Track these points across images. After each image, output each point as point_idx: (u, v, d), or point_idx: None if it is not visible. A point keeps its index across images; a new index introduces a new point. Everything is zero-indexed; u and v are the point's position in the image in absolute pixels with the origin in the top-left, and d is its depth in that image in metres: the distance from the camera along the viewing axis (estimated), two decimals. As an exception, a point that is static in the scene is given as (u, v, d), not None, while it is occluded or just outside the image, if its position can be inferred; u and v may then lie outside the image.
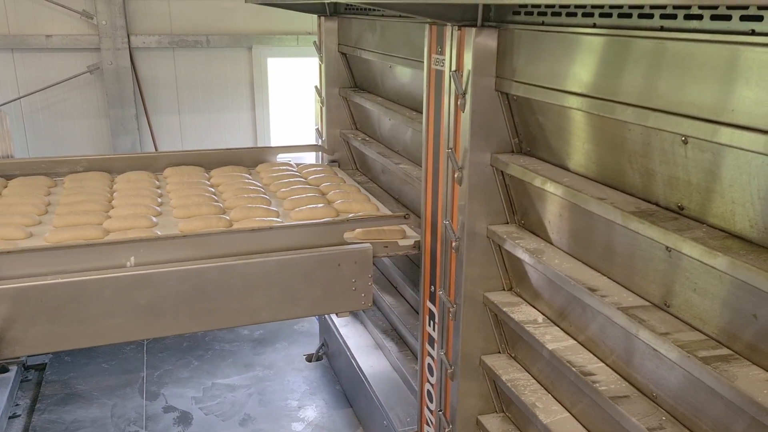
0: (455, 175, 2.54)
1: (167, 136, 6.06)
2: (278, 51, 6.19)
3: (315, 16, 4.50)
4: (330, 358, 4.96)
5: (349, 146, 4.51)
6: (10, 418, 4.27)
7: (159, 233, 3.08)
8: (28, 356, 4.84)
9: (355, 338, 4.43)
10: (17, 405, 4.44)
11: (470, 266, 2.59)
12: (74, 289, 2.63)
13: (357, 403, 4.32)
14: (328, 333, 4.88)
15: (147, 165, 4.19)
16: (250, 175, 4.12)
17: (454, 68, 2.46)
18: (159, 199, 3.65)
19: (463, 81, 2.40)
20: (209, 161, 4.28)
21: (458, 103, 2.46)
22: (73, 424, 4.26)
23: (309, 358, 5.07)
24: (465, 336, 2.67)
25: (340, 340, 4.49)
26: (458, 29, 2.41)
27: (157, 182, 3.96)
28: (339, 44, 4.35)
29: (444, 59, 2.54)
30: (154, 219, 3.32)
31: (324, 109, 4.55)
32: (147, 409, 4.42)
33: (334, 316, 4.72)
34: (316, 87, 4.61)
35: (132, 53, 5.65)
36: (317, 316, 5.29)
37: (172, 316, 2.81)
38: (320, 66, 4.51)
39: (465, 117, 2.44)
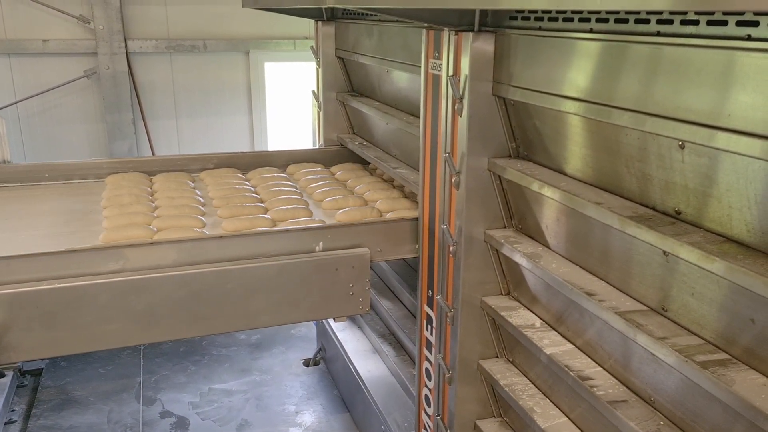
0: (453, 180, 2.54)
1: (164, 141, 6.05)
2: (275, 56, 6.19)
3: (312, 21, 4.51)
4: (327, 362, 4.95)
5: (347, 150, 4.50)
6: (6, 423, 4.25)
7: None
8: (24, 362, 4.82)
9: (353, 343, 4.42)
10: (13, 411, 4.42)
11: (468, 271, 2.59)
12: (70, 294, 2.62)
13: (354, 408, 4.32)
14: (325, 337, 4.87)
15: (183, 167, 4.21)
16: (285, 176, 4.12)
17: (451, 73, 2.46)
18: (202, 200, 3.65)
19: (460, 85, 2.41)
20: (243, 163, 4.29)
21: (455, 107, 2.46)
22: (69, 430, 4.24)
23: (306, 363, 5.06)
24: (463, 340, 2.67)
25: (338, 345, 4.49)
26: (455, 34, 2.41)
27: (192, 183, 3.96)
28: (336, 49, 4.35)
29: (441, 64, 2.54)
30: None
31: (321, 113, 4.55)
32: (144, 415, 4.41)
33: (331, 321, 4.72)
34: (313, 91, 4.62)
35: (129, 58, 5.65)
36: (315, 321, 5.28)
37: (169, 322, 2.80)
38: (317, 70, 4.51)
39: (462, 121, 2.44)
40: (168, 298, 2.77)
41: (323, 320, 4.84)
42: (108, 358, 5.07)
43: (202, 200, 3.62)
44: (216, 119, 6.18)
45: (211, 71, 6.03)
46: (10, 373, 4.58)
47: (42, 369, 4.92)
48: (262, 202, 3.60)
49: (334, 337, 4.58)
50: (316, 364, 5.05)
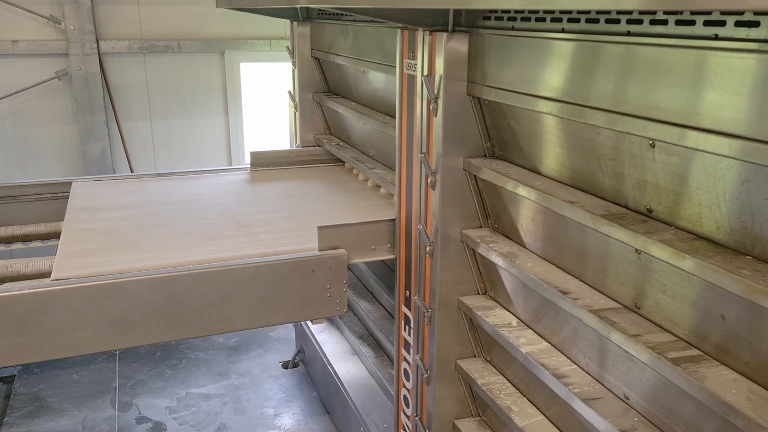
0: (428, 180, 2.54)
1: (139, 143, 5.97)
2: (251, 56, 6.14)
3: (287, 21, 4.48)
4: (306, 364, 4.93)
5: (324, 150, 4.48)
6: (-23, 432, 4.16)
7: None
8: (-4, 369, 4.73)
9: (332, 344, 4.41)
10: (-16, 419, 4.33)
11: (444, 271, 2.59)
12: (41, 299, 2.57)
13: (334, 410, 4.30)
14: (304, 339, 4.85)
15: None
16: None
17: (426, 73, 2.46)
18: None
19: (435, 86, 2.41)
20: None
21: (431, 107, 2.46)
22: (43, 438, 4.17)
23: (285, 365, 5.03)
24: (440, 340, 2.67)
25: (317, 347, 4.47)
26: (430, 34, 2.41)
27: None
28: (312, 49, 4.33)
29: (416, 64, 2.54)
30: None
31: (298, 114, 4.53)
32: (119, 421, 4.35)
33: (310, 323, 4.69)
34: (289, 92, 4.59)
35: (101, 59, 5.56)
36: (293, 323, 5.25)
37: (145, 326, 2.76)
38: (293, 71, 4.48)
39: (437, 121, 2.45)
40: (143, 302, 2.73)
41: (302, 322, 4.82)
42: (83, 363, 4.99)
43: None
44: (192, 120, 6.12)
45: (186, 72, 5.97)
46: (-19, 381, 4.49)
47: (14, 375, 4.83)
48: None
49: (312, 339, 4.56)
50: (295, 366, 5.02)
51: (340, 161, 4.27)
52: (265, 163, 4.27)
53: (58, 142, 5.72)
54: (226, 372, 4.95)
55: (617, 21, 1.73)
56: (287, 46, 4.48)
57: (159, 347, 5.23)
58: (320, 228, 3.04)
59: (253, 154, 4.23)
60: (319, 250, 2.94)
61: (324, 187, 3.94)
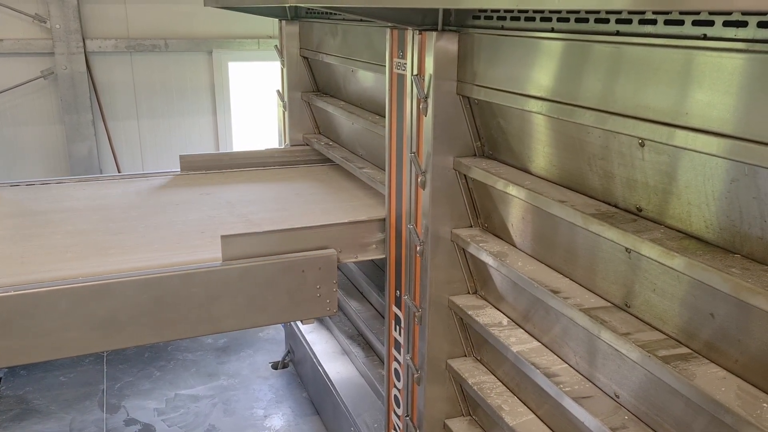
0: (419, 179, 2.54)
1: (126, 142, 5.93)
2: (239, 55, 6.11)
3: (276, 20, 4.46)
4: (296, 365, 4.92)
5: (313, 150, 4.47)
6: (-38, 436, 4.11)
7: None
8: (-18, 371, 4.68)
9: (321, 344, 4.40)
10: (-31, 423, 4.28)
11: (435, 270, 2.59)
12: (27, 301, 2.54)
13: (324, 411, 4.29)
14: (293, 340, 4.83)
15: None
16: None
17: (415, 72, 2.46)
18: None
19: (424, 85, 2.40)
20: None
21: (420, 107, 2.46)
22: (29, 441, 4.13)
23: (275, 366, 5.01)
24: (431, 340, 2.67)
25: (306, 347, 4.45)
26: (419, 33, 2.41)
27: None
28: (301, 48, 4.32)
29: (406, 63, 2.54)
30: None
31: (287, 113, 4.51)
32: (107, 423, 4.31)
33: (299, 323, 4.68)
34: (278, 91, 4.57)
35: (87, 58, 5.51)
36: (282, 324, 5.23)
37: (132, 328, 2.74)
38: (282, 70, 4.47)
39: (427, 121, 2.44)
40: (130, 303, 2.71)
41: (291, 323, 4.80)
42: (69, 365, 4.95)
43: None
44: (179, 120, 6.08)
45: (174, 71, 5.93)
46: (-34, 384, 4.43)
47: (0, 378, 4.77)
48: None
49: (302, 340, 4.54)
50: (284, 366, 5.00)
51: (325, 161, 4.25)
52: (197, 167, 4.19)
53: (43, 142, 5.67)
54: (215, 373, 4.92)
55: (606, 21, 1.73)
56: (276, 45, 4.46)
57: (147, 349, 5.19)
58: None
59: (183, 158, 4.09)
60: (224, 260, 2.87)
61: (312, 187, 3.93)
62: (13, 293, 2.53)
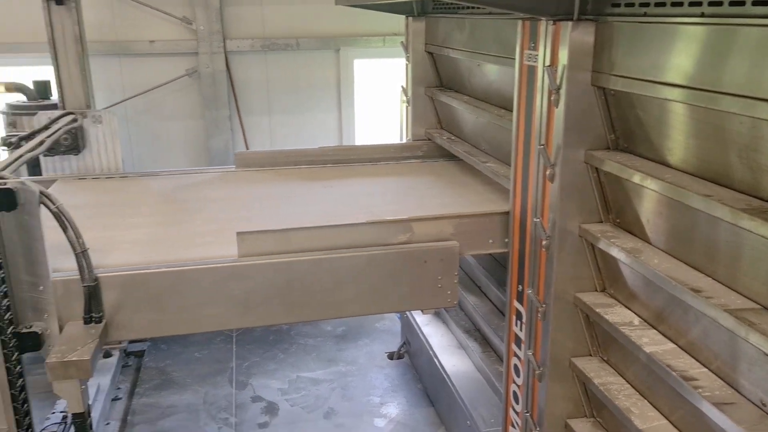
0: (547, 173, 2.50)
1: (258, 137, 6.27)
2: (365, 52, 6.28)
3: (402, 17, 4.54)
4: (411, 356, 4.98)
5: (434, 145, 4.51)
6: (112, 400, 4.54)
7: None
8: (130, 342, 5.13)
9: (438, 337, 4.43)
10: (119, 389, 4.72)
11: (561, 265, 2.53)
12: (175, 278, 2.77)
13: (439, 403, 4.32)
14: (410, 331, 4.90)
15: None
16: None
17: (548, 63, 2.42)
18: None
19: (557, 76, 2.36)
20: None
21: (551, 98, 2.41)
22: (168, 409, 4.48)
23: (390, 356, 5.11)
24: (554, 337, 2.62)
25: (423, 339, 4.50)
26: (553, 24, 2.37)
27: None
28: (426, 44, 4.37)
29: (537, 55, 2.50)
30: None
31: (410, 108, 4.58)
32: (236, 398, 4.60)
33: (416, 315, 4.74)
34: (402, 87, 4.65)
35: (227, 57, 5.89)
36: (399, 315, 5.33)
37: (265, 308, 2.91)
38: (407, 66, 4.54)
39: (558, 113, 2.40)
40: (264, 284, 2.88)
41: (408, 314, 4.88)
42: (204, 343, 5.32)
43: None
44: (306, 116, 6.35)
45: (303, 69, 6.20)
46: (116, 354, 4.89)
47: (144, 351, 5.22)
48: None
49: (418, 331, 4.60)
50: (400, 357, 5.09)
51: (445, 156, 4.27)
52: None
53: (185, 136, 6.13)
54: (334, 359, 5.10)
55: (765, 2, 1.62)
56: (402, 42, 4.54)
57: (272, 332, 5.48)
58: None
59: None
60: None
61: (432, 181, 3.97)
62: (162, 270, 2.77)
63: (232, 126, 6.08)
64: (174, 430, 4.26)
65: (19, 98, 5.13)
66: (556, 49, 2.36)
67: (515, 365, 2.99)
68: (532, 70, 2.57)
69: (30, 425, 2.60)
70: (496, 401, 3.55)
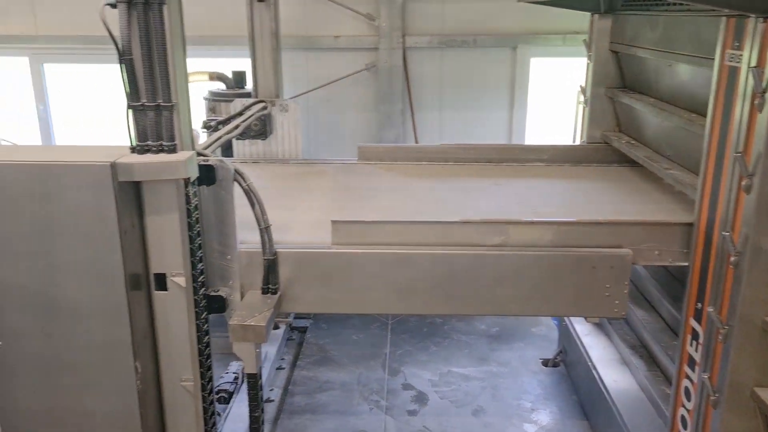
0: (742, 183, 2.29)
1: (427, 132, 6.39)
2: (543, 51, 6.14)
3: (586, 14, 4.37)
4: (568, 366, 4.81)
5: (610, 149, 4.30)
6: (276, 369, 4.90)
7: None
8: (295, 317, 5.50)
9: (599, 350, 4.24)
10: (283, 359, 5.08)
11: (751, 285, 2.31)
12: (345, 260, 2.92)
13: (594, 417, 4.13)
14: (568, 340, 4.73)
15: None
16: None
17: (753, 64, 2.21)
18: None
19: (764, 78, 2.15)
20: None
21: (755, 102, 2.20)
22: (325, 384, 4.75)
23: (545, 363, 4.97)
24: (736, 362, 2.39)
25: (582, 350, 4.33)
26: (763, 21, 2.16)
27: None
28: (611, 42, 4.17)
29: (741, 55, 2.30)
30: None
31: (587, 109, 4.41)
32: (388, 383, 4.75)
33: (576, 323, 4.57)
34: (581, 86, 4.49)
35: (405, 53, 6.07)
36: (557, 321, 5.17)
37: (425, 296, 2.97)
38: (588, 65, 4.37)
39: (761, 118, 2.18)
40: (427, 274, 2.94)
41: (567, 321, 4.71)
42: (361, 327, 5.55)
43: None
44: (477, 113, 6.35)
45: (477, 66, 6.20)
46: (282, 327, 5.26)
47: (307, 327, 5.57)
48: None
49: (577, 341, 4.43)
50: (555, 365, 4.93)
51: (621, 161, 4.04)
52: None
53: (358, 128, 6.40)
54: (486, 358, 5.07)
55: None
56: (584, 40, 4.38)
57: (425, 324, 5.57)
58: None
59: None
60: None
61: (606, 186, 3.79)
62: (334, 251, 2.93)
63: (404, 120, 6.25)
64: (329, 405, 4.50)
65: (219, 86, 5.68)
66: (765, 49, 2.15)
67: (686, 388, 2.77)
68: (733, 71, 2.36)
69: (211, 379, 2.90)
70: (660, 424, 3.32)
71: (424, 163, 4.30)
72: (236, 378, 4.27)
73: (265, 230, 2.86)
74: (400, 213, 3.33)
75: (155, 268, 2.63)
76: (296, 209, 3.50)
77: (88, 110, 6.72)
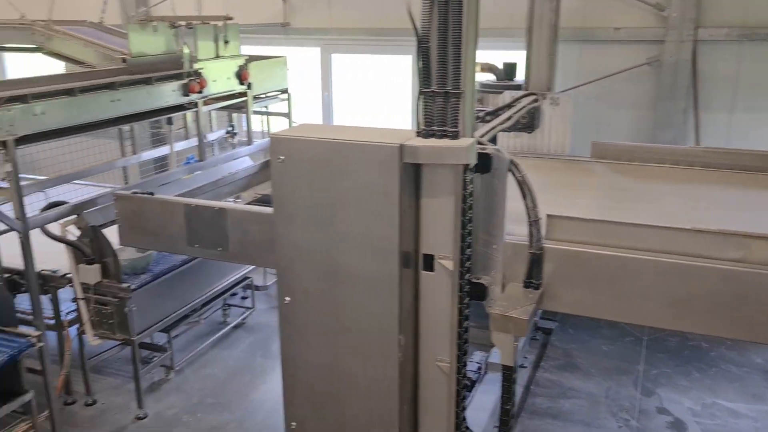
0: None
1: (711, 134, 5.72)
2: None
3: None
4: None
5: None
6: (519, 366, 4.82)
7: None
8: (541, 318, 5.36)
9: None
10: (525, 358, 4.99)
11: None
12: (617, 263, 2.73)
13: None
14: None
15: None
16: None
17: None
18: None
19: None
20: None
21: None
22: (569, 391, 4.55)
23: (842, 417, 4.15)
24: None
25: None
26: None
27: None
28: None
29: None
30: None
31: None
32: (640, 403, 4.39)
33: None
34: None
35: (695, 46, 5.49)
36: None
37: (705, 316, 2.66)
38: None
39: None
40: (708, 290, 2.62)
41: None
42: (612, 337, 5.21)
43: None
44: (776, 116, 5.51)
45: (784, 64, 5.37)
46: (528, 324, 5.15)
47: (552, 329, 5.38)
48: None
49: None
50: None
51: None
52: None
53: (630, 126, 5.97)
54: (762, 396, 4.41)
55: None
56: None
57: (688, 347, 5.03)
58: None
59: None
60: None
61: None
62: (603, 252, 2.76)
63: (684, 120, 5.67)
64: (573, 413, 4.31)
65: (489, 78, 5.73)
66: None
67: None
68: None
69: (465, 364, 2.94)
70: None
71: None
72: (479, 368, 4.29)
73: (534, 223, 2.80)
74: (668, 218, 3.02)
75: (424, 248, 2.73)
76: (559, 206, 3.37)
77: (362, 99, 7.30)
